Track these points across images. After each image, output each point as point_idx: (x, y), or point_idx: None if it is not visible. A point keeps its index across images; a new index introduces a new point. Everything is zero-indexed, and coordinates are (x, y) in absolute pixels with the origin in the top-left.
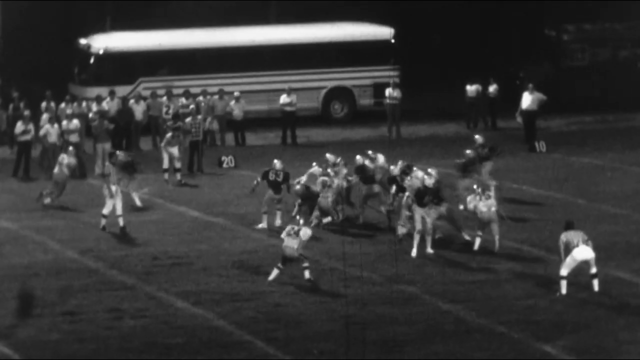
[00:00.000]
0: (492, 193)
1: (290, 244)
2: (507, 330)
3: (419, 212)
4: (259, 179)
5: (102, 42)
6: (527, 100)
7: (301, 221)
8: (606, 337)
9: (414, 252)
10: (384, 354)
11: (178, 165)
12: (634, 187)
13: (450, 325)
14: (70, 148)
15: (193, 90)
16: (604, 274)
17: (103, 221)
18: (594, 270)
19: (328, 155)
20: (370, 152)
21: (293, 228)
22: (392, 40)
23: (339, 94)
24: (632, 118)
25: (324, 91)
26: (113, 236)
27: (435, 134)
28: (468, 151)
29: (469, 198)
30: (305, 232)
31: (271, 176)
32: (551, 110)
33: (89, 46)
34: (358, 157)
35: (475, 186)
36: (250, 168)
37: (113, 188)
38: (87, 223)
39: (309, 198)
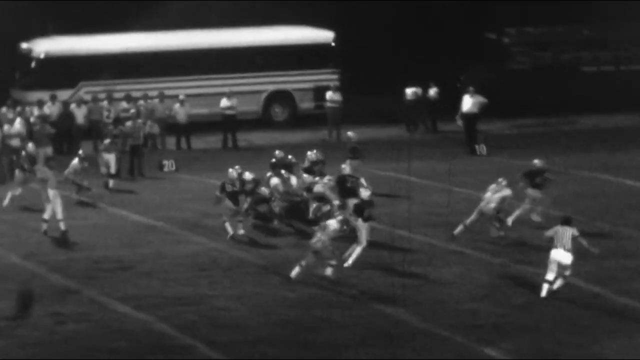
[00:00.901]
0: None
1: (318, 236)
2: (450, 334)
3: (364, 227)
4: (217, 193)
5: (44, 46)
6: (467, 103)
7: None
8: (548, 340)
9: (350, 262)
10: (327, 357)
11: (113, 171)
12: (575, 190)
13: (393, 328)
14: (80, 152)
15: (134, 94)
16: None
17: (44, 226)
18: (559, 279)
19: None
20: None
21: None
22: (333, 44)
23: (280, 97)
24: (574, 121)
25: (264, 94)
26: (54, 240)
27: (376, 137)
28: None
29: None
30: (331, 226)
31: (228, 187)
32: (492, 113)
33: (30, 50)
34: (277, 152)
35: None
36: (191, 172)
37: (51, 192)
38: (29, 227)
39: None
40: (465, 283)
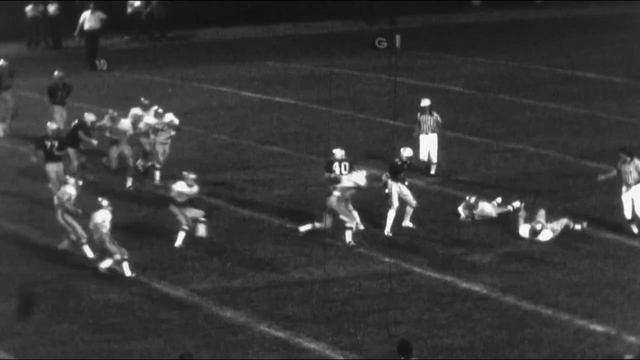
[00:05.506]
0: None
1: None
2: None
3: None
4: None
5: None
6: (88, 19)
7: None
8: None
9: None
10: None
11: None
12: (195, 103)
13: None
14: None
15: None
16: None
17: None
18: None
19: None
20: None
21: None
22: None
23: None
24: (192, 35)
25: None
26: None
27: None
28: None
29: None
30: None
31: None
32: (113, 28)
33: None
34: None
35: None
36: None
37: None
38: None
39: None
40: None
